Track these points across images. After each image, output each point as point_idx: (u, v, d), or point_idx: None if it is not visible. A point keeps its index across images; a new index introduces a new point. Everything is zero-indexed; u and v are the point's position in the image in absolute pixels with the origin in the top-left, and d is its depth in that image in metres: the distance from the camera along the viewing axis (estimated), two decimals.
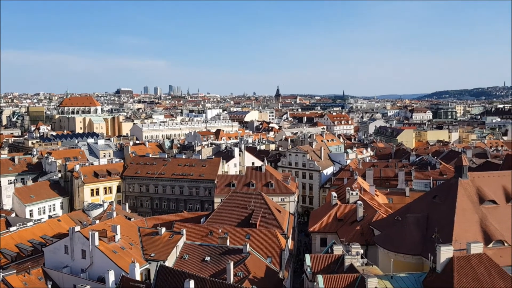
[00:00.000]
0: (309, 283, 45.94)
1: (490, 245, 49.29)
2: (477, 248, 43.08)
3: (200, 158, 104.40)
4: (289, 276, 54.48)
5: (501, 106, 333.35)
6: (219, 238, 53.33)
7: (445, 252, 42.01)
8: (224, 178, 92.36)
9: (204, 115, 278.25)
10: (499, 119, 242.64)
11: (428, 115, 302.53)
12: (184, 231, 54.47)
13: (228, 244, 51.97)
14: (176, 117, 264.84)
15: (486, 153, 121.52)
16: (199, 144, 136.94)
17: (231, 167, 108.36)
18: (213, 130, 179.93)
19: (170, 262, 50.14)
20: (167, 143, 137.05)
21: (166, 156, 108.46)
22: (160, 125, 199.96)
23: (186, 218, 68.75)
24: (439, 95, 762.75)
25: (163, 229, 55.69)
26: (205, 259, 50.09)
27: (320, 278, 41.86)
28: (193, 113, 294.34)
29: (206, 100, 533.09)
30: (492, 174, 60.79)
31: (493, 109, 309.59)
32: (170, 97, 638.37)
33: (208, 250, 51.69)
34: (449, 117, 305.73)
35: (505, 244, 49.89)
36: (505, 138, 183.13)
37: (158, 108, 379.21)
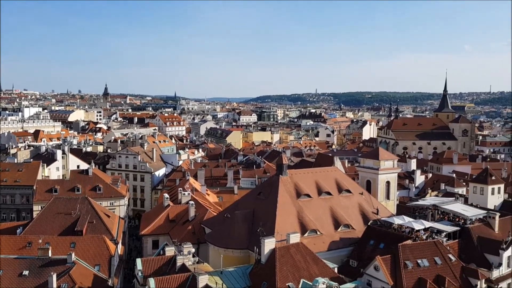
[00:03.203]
0: None
1: (306, 234, 55.28)
2: (295, 238, 48.03)
3: (16, 161, 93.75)
4: (119, 283, 52.70)
5: (313, 110, 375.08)
6: (39, 249, 48.59)
7: (268, 244, 45.83)
8: (45, 183, 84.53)
9: (20, 113, 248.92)
10: (312, 122, 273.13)
11: (254, 117, 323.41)
12: None
13: (50, 255, 47.77)
14: None
15: (302, 152, 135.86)
16: (14, 146, 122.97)
17: (53, 171, 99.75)
18: (31, 131, 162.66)
19: None
20: None
21: None
22: None
23: None
24: (262, 99, 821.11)
25: None
26: (23, 273, 45.18)
27: (151, 281, 41.57)
28: (7, 112, 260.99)
29: (23, 97, 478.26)
30: (307, 171, 68.29)
31: (307, 113, 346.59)
32: None
33: (26, 263, 46.68)
34: (272, 119, 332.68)
35: (318, 233, 56.55)
36: (316, 138, 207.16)
37: None
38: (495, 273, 49.86)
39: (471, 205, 66.22)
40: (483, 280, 47.31)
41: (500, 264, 50.61)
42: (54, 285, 40.88)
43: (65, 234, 57.87)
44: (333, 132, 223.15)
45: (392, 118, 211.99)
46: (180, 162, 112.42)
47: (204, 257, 54.68)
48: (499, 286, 49.95)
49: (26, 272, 45.19)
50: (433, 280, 46.15)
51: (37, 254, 48.04)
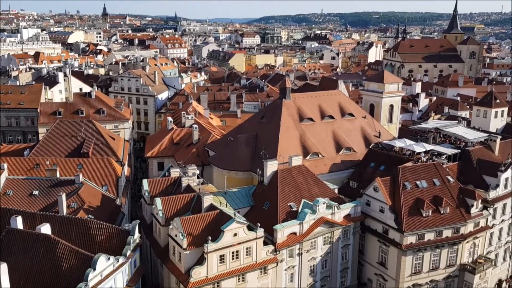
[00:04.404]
0: (147, 207, 46.89)
1: (308, 157, 56.19)
2: (297, 160, 48.89)
3: (18, 84, 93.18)
4: (127, 202, 54.59)
5: (319, 32, 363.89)
6: (47, 171, 49.82)
7: (271, 166, 46.77)
8: (49, 106, 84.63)
9: (19, 35, 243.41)
10: (316, 44, 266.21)
11: (257, 39, 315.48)
12: (6, 165, 49.37)
13: (58, 176, 49.09)
14: None
15: (305, 76, 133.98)
16: (15, 68, 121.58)
17: (56, 94, 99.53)
18: (32, 53, 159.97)
19: None
20: None
21: None
22: None
23: (6, 151, 61.93)
24: (266, 20, 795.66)
25: None
26: (33, 193, 46.73)
27: (158, 200, 43.02)
28: (5, 33, 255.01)
29: (21, 18, 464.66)
30: (310, 94, 67.91)
31: (312, 35, 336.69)
32: None
33: (35, 183, 48.07)
34: (275, 41, 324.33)
35: (320, 156, 57.44)
36: (321, 61, 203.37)
37: None
38: (492, 194, 51.19)
39: (474, 128, 66.42)
40: (479, 201, 48.71)
41: (497, 186, 51.80)
42: (64, 204, 42.32)
43: (71, 156, 58.93)
44: (338, 54, 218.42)
45: (399, 40, 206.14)
46: (183, 86, 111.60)
47: (208, 178, 56.11)
48: (494, 206, 51.52)
49: (36, 192, 46.67)
50: (431, 201, 47.58)
51: (46, 175, 49.31)
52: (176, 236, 38.61)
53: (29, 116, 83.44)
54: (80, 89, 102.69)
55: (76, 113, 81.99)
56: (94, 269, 33.06)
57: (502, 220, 54.09)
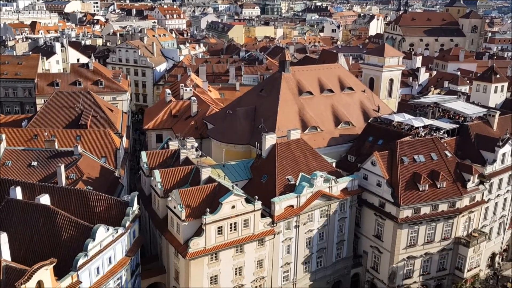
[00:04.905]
0: (146, 179, 47.13)
1: (306, 130, 56.18)
2: (295, 134, 48.93)
3: (15, 54, 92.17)
4: (126, 174, 54.84)
5: (320, 3, 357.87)
6: (45, 142, 49.79)
7: (269, 140, 46.84)
8: (46, 76, 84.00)
9: (14, 4, 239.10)
10: (317, 16, 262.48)
11: (257, 10, 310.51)
12: (4, 136, 49.31)
13: (56, 147, 49.11)
14: None
15: (305, 49, 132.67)
16: (11, 38, 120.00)
17: (53, 65, 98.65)
18: (28, 22, 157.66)
19: None
20: None
21: None
22: None
23: (4, 122, 61.74)
24: None
25: None
26: (32, 164, 46.86)
27: (156, 172, 43.21)
28: (1, 2, 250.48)
29: None
30: (310, 68, 67.38)
31: (312, 7, 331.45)
32: None
33: (34, 154, 48.14)
34: (275, 13, 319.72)
35: (318, 129, 57.44)
36: (321, 34, 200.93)
37: None
38: (489, 169, 51.49)
39: (473, 103, 66.28)
40: (476, 176, 49.05)
41: (494, 161, 52.06)
42: (63, 175, 42.49)
43: (69, 127, 58.82)
44: (338, 27, 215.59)
45: (400, 13, 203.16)
46: (181, 57, 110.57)
47: (207, 151, 56.22)
48: (490, 181, 51.90)
49: (34, 163, 46.78)
50: (428, 175, 47.89)
51: (44, 146, 49.30)
52: (174, 207, 38.95)
53: (26, 86, 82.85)
54: (78, 60, 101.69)
55: (74, 84, 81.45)
56: (94, 239, 33.46)
57: (498, 195, 54.60)
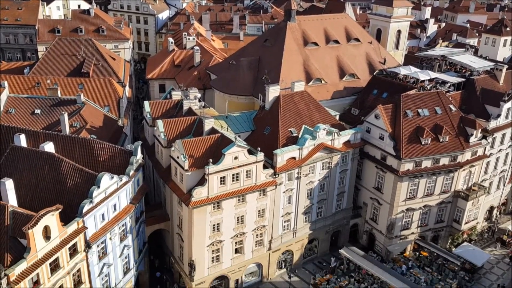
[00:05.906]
0: (149, 128, 47.25)
1: (310, 83, 55.65)
2: (299, 86, 48.46)
3: None
4: (129, 123, 54.95)
5: None
6: (48, 89, 49.59)
7: (273, 91, 46.46)
8: (47, 23, 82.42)
9: None
10: None
11: None
12: (6, 83, 49.11)
13: (59, 95, 48.97)
14: None
15: None
16: None
17: (54, 11, 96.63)
18: None
19: None
20: None
21: None
22: None
23: (6, 69, 61.29)
24: None
25: None
26: (35, 112, 46.91)
27: (160, 122, 43.25)
28: None
29: None
30: (316, 17, 65.70)
31: None
32: None
33: (37, 102, 48.11)
34: None
35: (322, 82, 56.85)
36: None
37: None
38: (492, 124, 51.27)
39: (481, 56, 65.06)
40: (479, 130, 48.91)
41: (498, 116, 51.73)
42: (66, 123, 42.61)
43: (71, 75, 58.40)
44: None
45: None
46: (184, 5, 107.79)
47: (210, 102, 56.01)
48: (493, 136, 51.80)
49: (38, 111, 46.82)
50: (431, 129, 47.81)
51: (47, 94, 49.13)
52: (178, 157, 39.30)
53: (27, 33, 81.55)
54: (79, 6, 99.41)
55: (75, 31, 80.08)
56: (99, 187, 34.03)
57: (500, 150, 54.70)
